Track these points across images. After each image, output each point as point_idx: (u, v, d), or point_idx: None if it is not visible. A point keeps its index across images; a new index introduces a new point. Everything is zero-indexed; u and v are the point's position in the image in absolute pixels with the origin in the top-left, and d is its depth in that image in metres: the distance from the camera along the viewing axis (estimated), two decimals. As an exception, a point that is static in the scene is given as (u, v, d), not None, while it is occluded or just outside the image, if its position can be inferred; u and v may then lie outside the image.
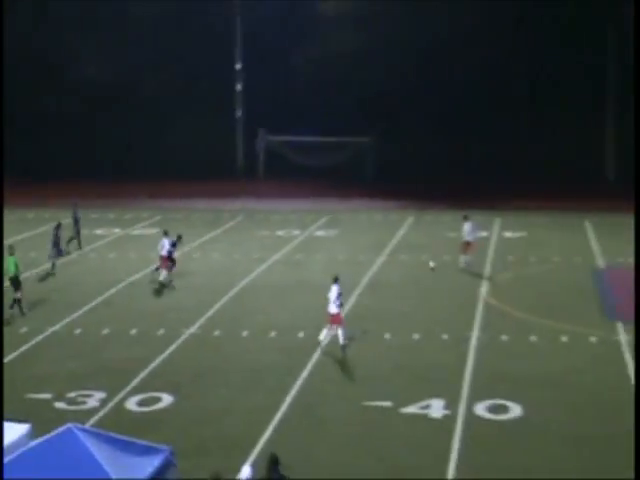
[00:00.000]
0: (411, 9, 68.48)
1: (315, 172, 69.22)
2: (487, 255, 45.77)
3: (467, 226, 42.84)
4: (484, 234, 50.55)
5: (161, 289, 39.53)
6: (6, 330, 33.29)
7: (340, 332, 31.31)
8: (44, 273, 42.54)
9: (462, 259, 42.75)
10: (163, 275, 40.07)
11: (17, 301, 36.04)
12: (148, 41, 72.33)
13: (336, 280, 32.16)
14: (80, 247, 47.61)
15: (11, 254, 36.97)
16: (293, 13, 70.25)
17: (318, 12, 68.96)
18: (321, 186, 66.22)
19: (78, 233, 47.84)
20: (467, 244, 42.81)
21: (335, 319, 31.41)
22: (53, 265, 42.86)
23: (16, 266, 36.54)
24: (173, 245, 40.80)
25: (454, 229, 50.07)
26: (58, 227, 43.93)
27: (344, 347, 31.19)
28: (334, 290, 31.57)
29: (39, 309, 36.41)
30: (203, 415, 26.09)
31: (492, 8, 67.22)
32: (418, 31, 69.00)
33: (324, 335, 31.57)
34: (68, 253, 46.10)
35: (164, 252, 40.09)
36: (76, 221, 47.77)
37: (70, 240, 47.19)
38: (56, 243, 43.24)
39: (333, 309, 31.39)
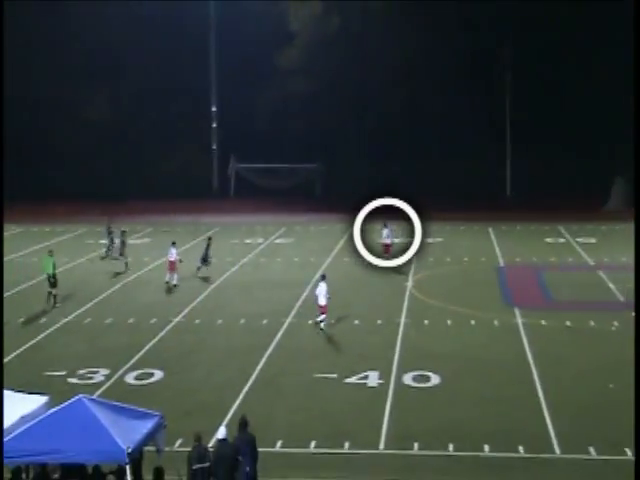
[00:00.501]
0: (345, 64, 68.93)
1: (275, 192, 69.20)
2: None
3: (385, 231, 42.96)
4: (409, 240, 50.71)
5: (174, 288, 38.69)
6: (28, 321, 33.00)
7: (323, 317, 31.75)
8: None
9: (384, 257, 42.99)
10: (170, 277, 39.14)
11: (51, 295, 35.91)
12: (141, 88, 71.99)
13: (324, 277, 32.45)
14: (108, 255, 46.83)
15: (50, 256, 36.88)
16: (256, 65, 70.23)
17: (275, 64, 69.08)
18: (280, 203, 66.06)
19: (112, 242, 47.11)
20: (386, 246, 42.88)
21: (323, 309, 31.59)
22: (126, 264, 42.92)
23: (54, 266, 36.38)
24: (207, 247, 40.83)
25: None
26: (124, 233, 43.63)
27: (321, 329, 31.51)
28: (322, 286, 31.73)
29: (58, 304, 36.04)
30: (187, 386, 26.03)
31: (406, 61, 67.82)
32: (353, 80, 69.31)
33: (320, 319, 31.78)
34: (113, 257, 45.94)
35: (172, 258, 39.27)
36: (110, 232, 47.31)
37: (108, 248, 46.88)
38: (123, 244, 43.03)
39: (322, 301, 31.55)
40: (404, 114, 69.68)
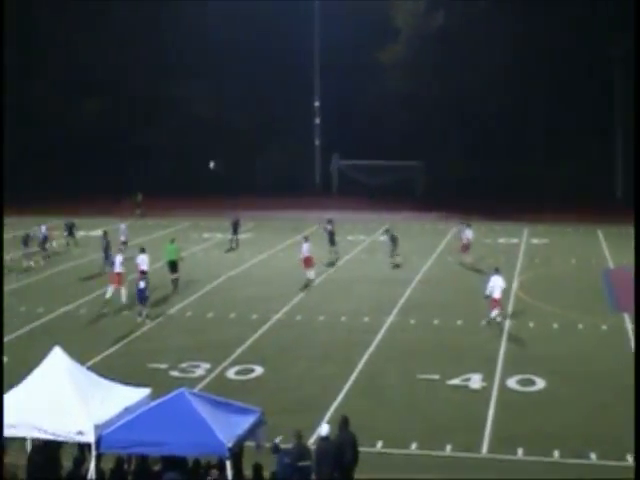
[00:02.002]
0: (448, 61, 68.35)
1: (376, 189, 69.12)
2: (518, 257, 45.24)
3: (468, 232, 43.13)
4: (515, 241, 50.15)
5: (308, 284, 38.72)
6: (133, 313, 33.43)
7: (496, 312, 31.58)
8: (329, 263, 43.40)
9: (465, 258, 43.21)
10: (309, 273, 39.05)
11: (174, 281, 37.47)
12: (245, 84, 72.68)
13: (497, 271, 32.41)
14: (237, 247, 48.02)
15: (172, 242, 38.68)
16: (359, 61, 70.18)
17: (378, 60, 68.96)
18: (381, 200, 65.99)
19: (236, 234, 48.45)
20: (465, 245, 43.18)
21: (497, 303, 31.53)
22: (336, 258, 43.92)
23: (176, 252, 37.87)
24: (392, 238, 42.61)
25: (489, 237, 49.69)
26: (330, 222, 44.30)
27: (500, 323, 31.52)
28: (497, 279, 31.66)
29: (159, 296, 36.43)
30: (287, 383, 26.10)
31: (510, 58, 66.98)
32: (455, 77, 68.66)
33: (494, 315, 31.63)
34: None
35: (308, 254, 39.18)
36: (235, 226, 48.27)
37: (231, 241, 48.29)
38: (332, 238, 43.82)
39: (497, 294, 31.44)
40: (507, 112, 68.77)
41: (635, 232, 42.83)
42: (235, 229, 48.44)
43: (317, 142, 74.77)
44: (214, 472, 16.88)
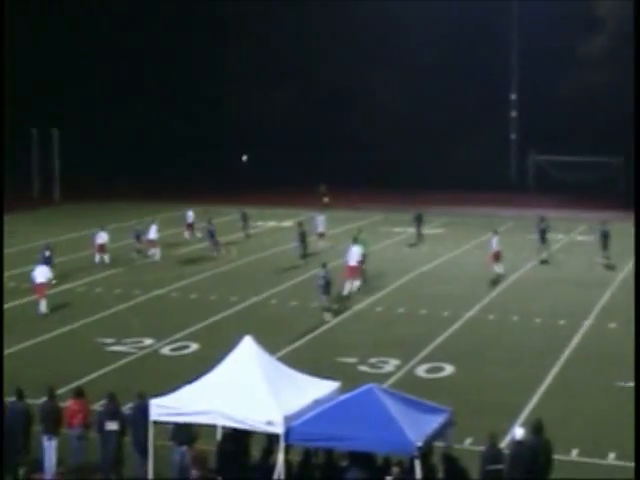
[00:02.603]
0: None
1: (575, 186, 67.30)
2: None
3: None
4: None
5: (498, 280, 38.72)
6: (318, 306, 33.60)
7: None
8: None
9: None
10: (498, 268, 39.18)
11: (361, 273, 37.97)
12: (438, 79, 72.25)
13: None
14: (421, 242, 48.27)
15: (359, 233, 39.63)
16: (559, 52, 68.43)
17: (580, 51, 67.01)
18: (580, 198, 64.22)
19: (419, 229, 48.95)
20: None
21: None
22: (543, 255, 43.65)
23: (364, 244, 38.48)
24: (604, 234, 42.18)
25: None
26: (543, 220, 44.40)
27: None
28: None
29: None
30: (477, 383, 25.74)
31: None
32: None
33: None
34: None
35: (498, 248, 39.34)
36: (418, 221, 48.72)
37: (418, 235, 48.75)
38: (543, 236, 43.71)
39: None
40: None
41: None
42: (418, 224, 48.43)
43: (513, 136, 73.56)
44: (395, 470, 16.76)
